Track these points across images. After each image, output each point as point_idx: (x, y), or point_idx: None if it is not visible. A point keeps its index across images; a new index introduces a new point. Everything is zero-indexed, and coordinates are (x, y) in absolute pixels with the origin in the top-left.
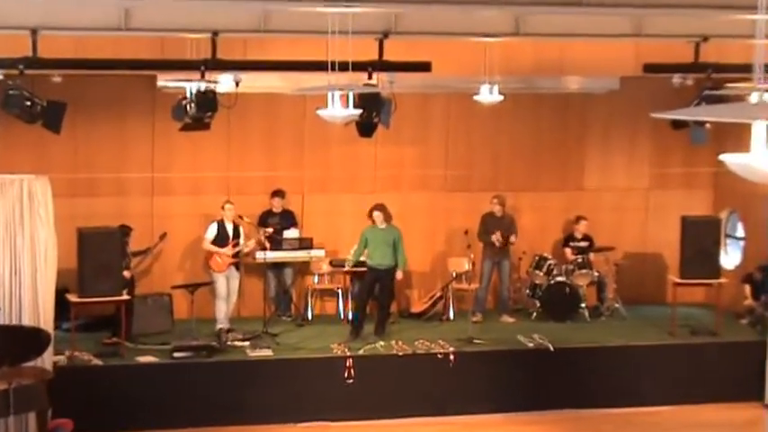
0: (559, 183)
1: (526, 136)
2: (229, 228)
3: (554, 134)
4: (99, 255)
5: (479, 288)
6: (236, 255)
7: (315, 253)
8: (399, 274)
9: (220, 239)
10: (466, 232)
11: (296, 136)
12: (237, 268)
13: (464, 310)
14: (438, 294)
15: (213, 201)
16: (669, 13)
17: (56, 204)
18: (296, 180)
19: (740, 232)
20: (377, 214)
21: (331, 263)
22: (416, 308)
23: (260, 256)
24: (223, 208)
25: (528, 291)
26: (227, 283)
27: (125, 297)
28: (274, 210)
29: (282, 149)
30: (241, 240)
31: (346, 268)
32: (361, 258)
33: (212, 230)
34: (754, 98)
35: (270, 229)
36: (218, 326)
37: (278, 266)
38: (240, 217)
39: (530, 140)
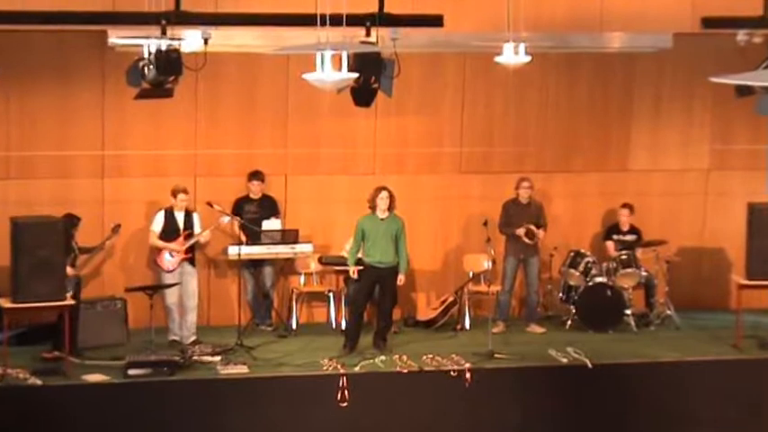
0: (599, 162)
1: (558, 105)
2: (180, 217)
3: (592, 103)
4: (37, 250)
5: (501, 291)
6: (190, 248)
7: (300, 248)
8: (401, 279)
9: (169, 232)
10: (485, 223)
11: (278, 106)
12: (193, 264)
13: (483, 317)
14: (451, 299)
15: (175, 183)
16: None
17: None
18: (278, 159)
19: None
20: (384, 195)
21: (320, 260)
22: (425, 315)
23: (233, 251)
24: (175, 197)
25: (561, 294)
26: (177, 288)
27: (69, 302)
28: (252, 195)
29: (261, 122)
30: (195, 229)
31: (345, 267)
32: (358, 255)
33: (158, 221)
34: None
35: (225, 217)
36: (171, 337)
37: (255, 264)
38: (209, 204)
39: (563, 111)
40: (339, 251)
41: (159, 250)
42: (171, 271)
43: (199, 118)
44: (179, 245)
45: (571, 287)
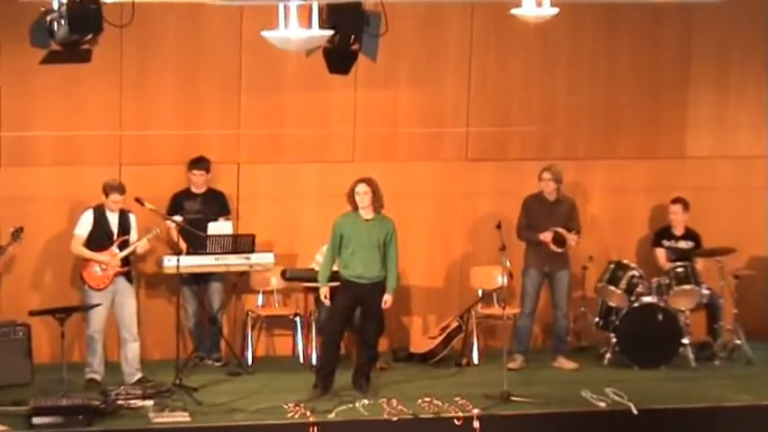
0: (647, 147)
1: (595, 73)
2: (113, 219)
3: (639, 69)
4: None
5: (521, 315)
6: (125, 260)
7: (258, 258)
8: (388, 299)
9: (99, 237)
10: (498, 226)
11: (228, 73)
12: (130, 280)
13: (496, 349)
14: (454, 324)
15: (97, 175)
16: None
17: None
18: (228, 143)
19: None
20: (362, 190)
21: (284, 274)
22: (420, 346)
23: (169, 263)
24: (107, 195)
25: (598, 319)
26: (110, 306)
27: None
28: (194, 189)
29: (206, 95)
30: (132, 235)
31: (316, 283)
32: (333, 268)
33: (85, 223)
34: None
35: (178, 218)
36: (89, 375)
37: (199, 280)
38: (138, 201)
39: (601, 79)
40: (308, 262)
41: (86, 262)
42: (101, 289)
43: (125, 89)
44: (111, 255)
45: (611, 309)
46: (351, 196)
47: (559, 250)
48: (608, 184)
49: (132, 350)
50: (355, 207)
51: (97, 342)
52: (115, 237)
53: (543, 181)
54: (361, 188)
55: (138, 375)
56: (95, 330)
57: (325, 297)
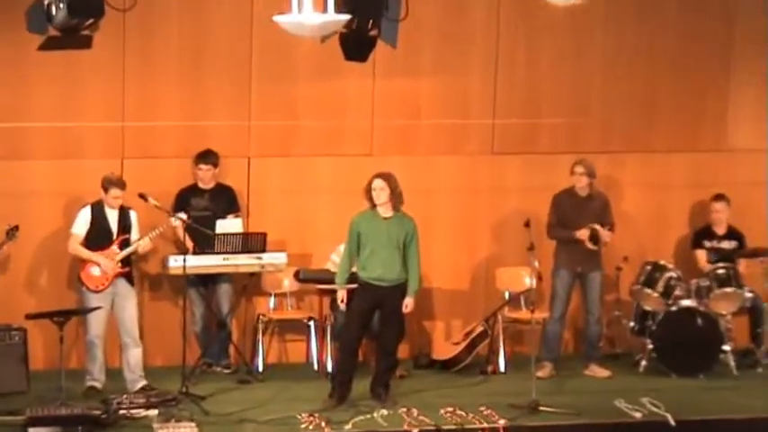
0: (686, 139)
1: (631, 60)
2: (112, 216)
3: (680, 56)
4: None
5: (550, 319)
6: (125, 260)
7: (269, 258)
8: (409, 303)
9: (98, 236)
10: (527, 224)
11: (238, 61)
12: (131, 282)
13: (524, 356)
14: (479, 330)
15: (96, 169)
16: None
17: None
18: (237, 135)
19: None
20: (379, 186)
21: (297, 276)
22: (443, 353)
23: (175, 263)
24: (106, 191)
25: (633, 324)
26: (110, 310)
27: None
28: (201, 184)
29: (215, 84)
30: (133, 234)
31: (332, 285)
32: (351, 269)
33: (83, 221)
34: None
35: (183, 215)
36: (89, 383)
37: (206, 281)
38: (142, 196)
39: (637, 67)
40: (323, 263)
41: (84, 262)
42: (100, 291)
43: (127, 77)
44: (111, 255)
45: (647, 313)
46: (368, 192)
47: (595, 248)
48: (644, 179)
49: (134, 356)
50: (373, 204)
51: (97, 347)
52: (115, 235)
53: (575, 175)
54: (378, 184)
55: (142, 383)
56: (95, 335)
57: (342, 302)
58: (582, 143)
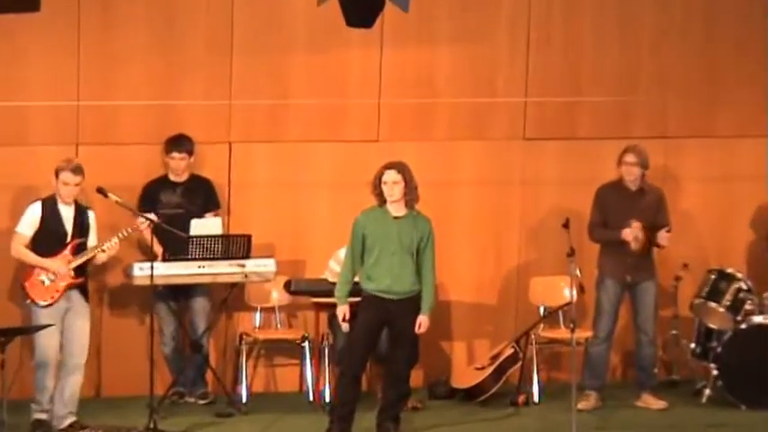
0: (756, 122)
1: (686, 30)
2: (67, 214)
3: (743, 27)
4: None
5: (594, 339)
6: (80, 269)
7: (255, 266)
8: (423, 321)
9: (48, 238)
10: (565, 224)
11: (216, 28)
12: (86, 295)
13: (562, 383)
14: (509, 352)
15: (46, 157)
16: None
17: None
18: (216, 117)
19: None
20: (392, 179)
21: (288, 287)
22: (465, 380)
23: (140, 272)
24: (57, 176)
25: (694, 345)
26: (57, 336)
27: None
28: (172, 177)
29: (188, 56)
30: (91, 238)
31: (331, 299)
32: (353, 279)
33: (30, 219)
34: None
35: (152, 216)
36: (36, 415)
37: (179, 294)
38: (101, 191)
39: (694, 39)
40: (320, 271)
41: (30, 269)
42: (49, 305)
43: (83, 47)
44: (64, 261)
45: (711, 332)
46: (377, 186)
47: (644, 253)
48: (706, 171)
49: (73, 385)
50: (382, 201)
51: (47, 371)
52: (69, 238)
53: (625, 165)
54: (391, 176)
55: (72, 419)
56: (46, 357)
57: (344, 320)
58: (630, 127)
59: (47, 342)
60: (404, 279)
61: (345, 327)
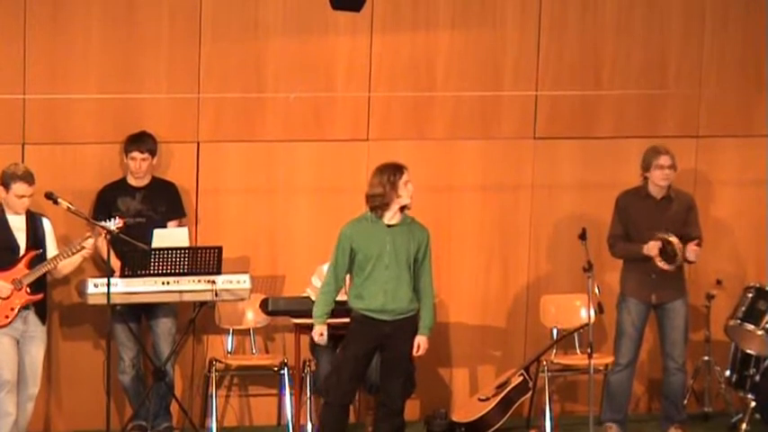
0: None
1: (719, 13)
2: (17, 224)
3: None
4: None
5: (615, 366)
6: (36, 285)
7: (227, 283)
8: (422, 343)
9: None
10: (582, 235)
11: (182, 12)
12: (42, 316)
13: (578, 415)
14: (517, 381)
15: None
16: None
17: None
18: (182, 112)
19: None
20: (406, 180)
21: (264, 306)
22: (467, 412)
23: (95, 289)
24: (7, 188)
25: (729, 373)
26: (14, 353)
27: None
28: (132, 180)
29: (149, 41)
30: (49, 248)
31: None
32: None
33: None
34: None
35: (116, 222)
36: None
37: (140, 315)
38: (50, 197)
39: (729, 23)
40: (301, 288)
41: None
42: (2, 326)
43: (30, 34)
44: (16, 276)
45: (748, 358)
46: (390, 189)
47: (669, 268)
48: (743, 174)
49: (23, 417)
50: (377, 209)
51: (6, 402)
52: (22, 251)
53: (659, 169)
54: (407, 177)
55: None
56: (2, 384)
57: (321, 335)
58: (657, 125)
59: (4, 367)
60: (400, 296)
61: (323, 341)
